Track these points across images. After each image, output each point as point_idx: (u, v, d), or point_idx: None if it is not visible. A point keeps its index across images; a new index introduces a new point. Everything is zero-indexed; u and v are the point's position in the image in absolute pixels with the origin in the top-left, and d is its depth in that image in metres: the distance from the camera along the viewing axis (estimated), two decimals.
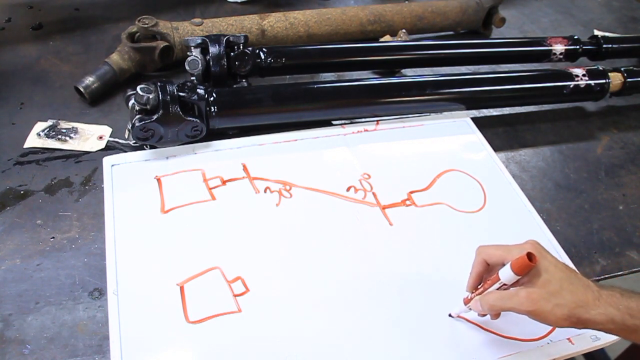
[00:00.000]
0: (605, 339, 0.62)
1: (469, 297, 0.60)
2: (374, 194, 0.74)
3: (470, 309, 0.60)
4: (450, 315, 0.63)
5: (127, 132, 0.75)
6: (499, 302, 0.54)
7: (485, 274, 0.59)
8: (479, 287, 0.59)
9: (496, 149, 0.84)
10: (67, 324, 0.58)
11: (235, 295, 0.61)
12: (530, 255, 0.52)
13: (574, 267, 0.65)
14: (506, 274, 0.54)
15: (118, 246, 0.63)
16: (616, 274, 0.71)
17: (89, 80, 0.83)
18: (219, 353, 0.56)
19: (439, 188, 0.77)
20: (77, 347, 0.57)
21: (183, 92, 0.71)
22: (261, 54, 0.84)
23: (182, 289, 0.61)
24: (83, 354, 0.56)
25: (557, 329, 0.62)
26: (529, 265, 0.52)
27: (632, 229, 0.79)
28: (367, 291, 0.64)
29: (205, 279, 0.62)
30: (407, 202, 0.74)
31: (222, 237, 0.66)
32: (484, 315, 0.60)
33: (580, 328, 0.53)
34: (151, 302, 0.59)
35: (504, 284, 0.55)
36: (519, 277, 0.54)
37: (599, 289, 0.54)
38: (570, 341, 0.61)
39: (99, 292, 0.61)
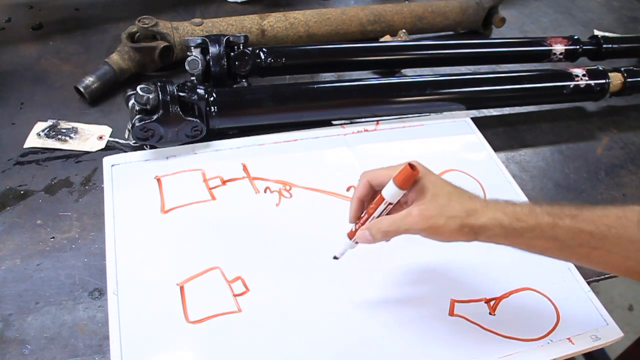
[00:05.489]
0: (605, 339, 0.62)
1: (354, 230, 0.57)
2: None
3: (357, 242, 0.57)
4: (335, 258, 0.59)
5: (127, 132, 0.75)
6: (393, 226, 0.52)
7: (368, 201, 0.57)
8: (362, 216, 0.56)
9: (496, 149, 0.84)
10: (67, 324, 0.58)
11: (235, 295, 0.61)
12: (411, 165, 0.51)
13: None
14: (390, 191, 0.52)
15: (118, 246, 0.63)
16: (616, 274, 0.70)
17: (89, 80, 0.83)
18: (219, 353, 0.56)
19: None
20: (77, 347, 0.57)
21: (183, 92, 0.71)
22: (261, 54, 0.84)
23: (182, 289, 0.61)
24: (83, 354, 0.56)
25: (557, 327, 0.62)
26: (412, 175, 0.51)
27: None
28: (366, 291, 0.64)
29: (205, 279, 0.62)
30: None
31: (222, 237, 0.66)
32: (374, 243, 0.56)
33: (471, 239, 0.53)
34: (151, 302, 0.59)
35: (389, 204, 0.53)
36: (404, 192, 0.52)
37: (485, 199, 0.54)
38: (571, 341, 0.61)
39: (99, 292, 0.61)
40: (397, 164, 0.54)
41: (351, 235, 0.57)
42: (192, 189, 0.71)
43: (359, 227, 0.56)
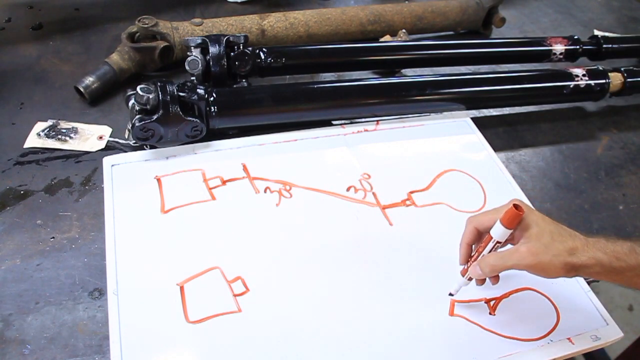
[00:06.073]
0: (605, 339, 0.62)
1: (466, 268, 0.60)
2: (374, 194, 0.74)
3: (469, 280, 0.61)
4: (450, 295, 0.63)
5: (127, 132, 0.75)
6: (500, 261, 0.55)
7: (475, 243, 0.60)
8: (472, 255, 0.60)
9: (496, 149, 0.84)
10: (67, 324, 0.58)
11: (235, 295, 0.61)
12: (516, 206, 0.54)
13: None
14: (498, 231, 0.55)
15: (118, 246, 0.63)
16: None
17: (89, 80, 0.83)
18: (219, 353, 0.56)
19: (439, 188, 0.77)
20: (77, 347, 0.57)
21: (183, 92, 0.71)
22: (261, 54, 0.84)
23: (182, 289, 0.61)
24: (83, 354, 0.56)
25: (557, 327, 0.62)
26: (517, 215, 0.54)
27: (632, 229, 0.78)
28: (366, 291, 0.64)
29: (205, 279, 0.62)
30: (407, 202, 0.74)
31: (222, 237, 0.66)
32: (482, 282, 0.61)
33: (572, 276, 0.55)
34: (151, 302, 0.59)
35: (497, 242, 0.56)
36: (511, 231, 0.55)
37: (585, 237, 0.56)
38: (571, 341, 0.61)
39: (99, 292, 0.61)
40: (500, 206, 0.57)
41: (464, 272, 0.61)
42: (192, 189, 0.71)
43: (471, 264, 0.59)
